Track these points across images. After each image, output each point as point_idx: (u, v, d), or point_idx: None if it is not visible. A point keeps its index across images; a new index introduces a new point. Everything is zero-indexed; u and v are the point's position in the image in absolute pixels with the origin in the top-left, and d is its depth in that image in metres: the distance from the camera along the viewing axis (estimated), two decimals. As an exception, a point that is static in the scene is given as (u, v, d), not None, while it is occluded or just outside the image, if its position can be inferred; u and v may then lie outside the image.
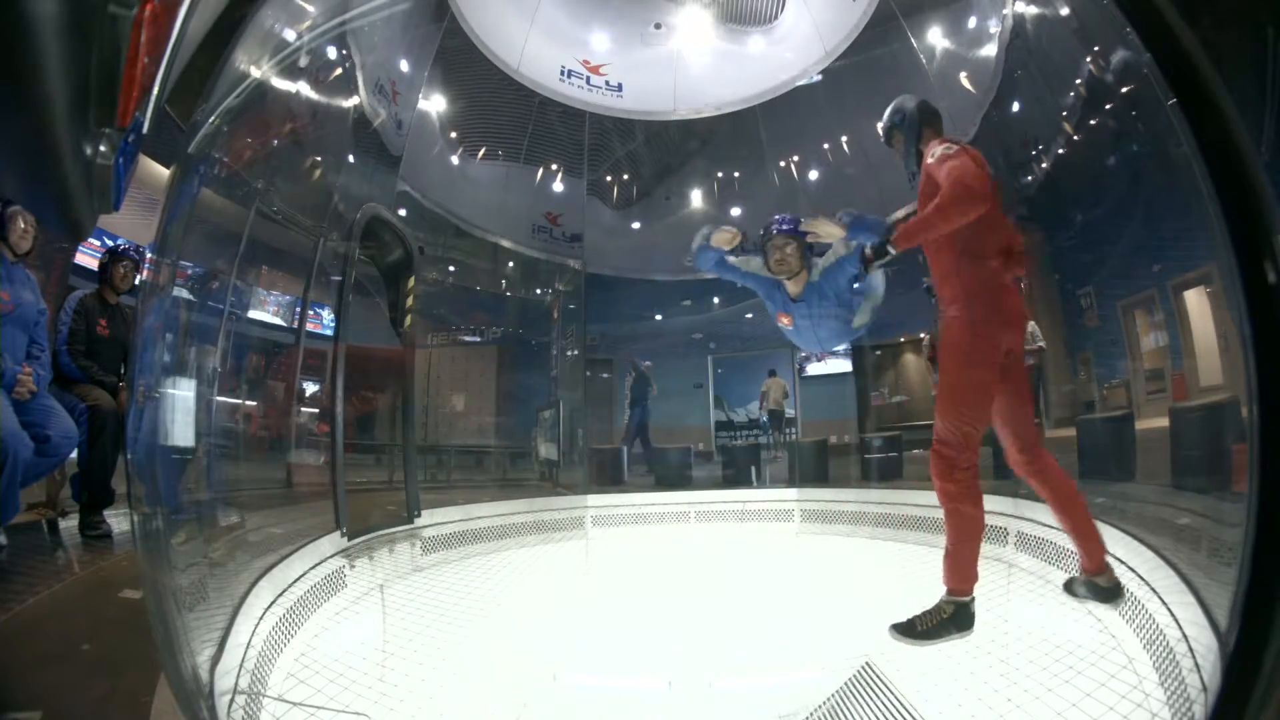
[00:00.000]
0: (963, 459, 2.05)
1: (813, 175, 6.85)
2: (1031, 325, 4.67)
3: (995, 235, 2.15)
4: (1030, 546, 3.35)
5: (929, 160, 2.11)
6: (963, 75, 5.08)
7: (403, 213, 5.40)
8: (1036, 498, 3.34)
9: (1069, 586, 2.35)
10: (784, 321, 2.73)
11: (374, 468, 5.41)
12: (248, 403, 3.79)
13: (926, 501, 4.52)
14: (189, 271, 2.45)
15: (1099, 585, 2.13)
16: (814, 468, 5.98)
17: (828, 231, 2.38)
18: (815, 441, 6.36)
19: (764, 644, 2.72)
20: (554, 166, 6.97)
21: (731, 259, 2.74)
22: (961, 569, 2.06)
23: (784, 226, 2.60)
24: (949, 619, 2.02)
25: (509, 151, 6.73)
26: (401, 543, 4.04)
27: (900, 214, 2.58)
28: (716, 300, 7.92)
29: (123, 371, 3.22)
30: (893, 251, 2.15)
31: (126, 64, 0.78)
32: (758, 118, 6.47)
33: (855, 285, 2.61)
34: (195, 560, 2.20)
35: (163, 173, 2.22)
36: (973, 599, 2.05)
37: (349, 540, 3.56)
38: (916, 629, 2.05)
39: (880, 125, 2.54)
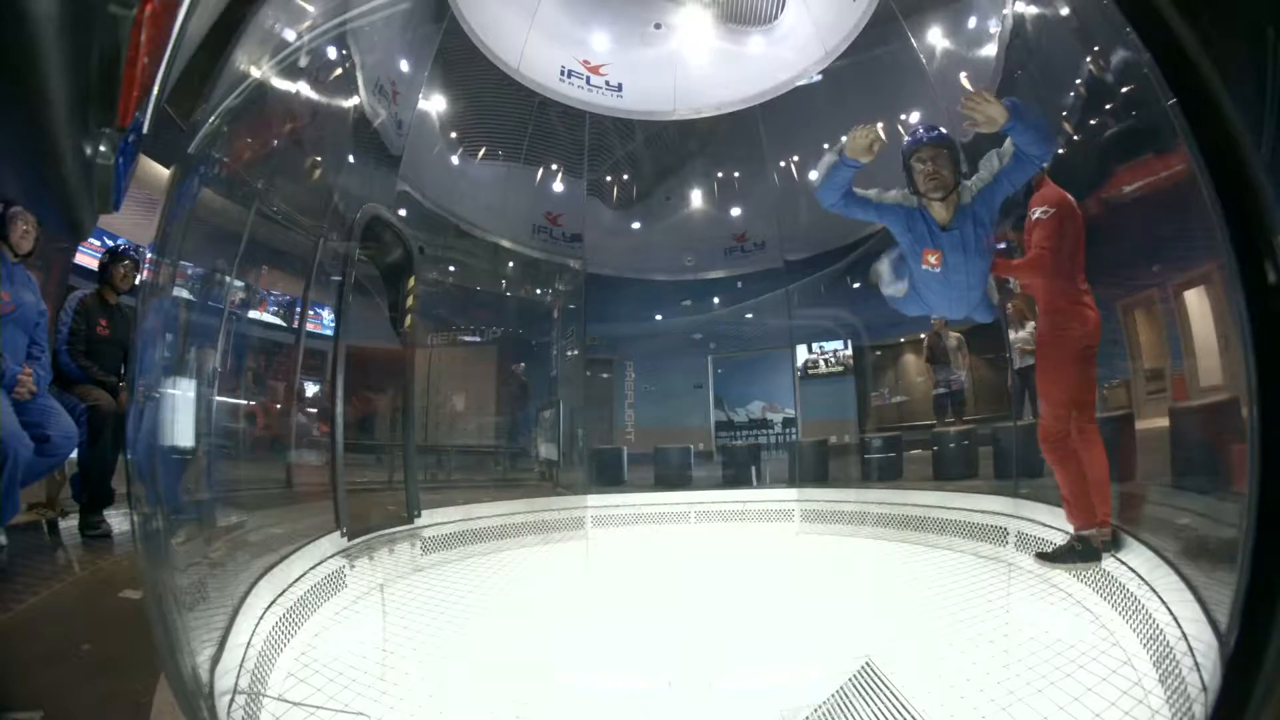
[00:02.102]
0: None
1: (813, 175, 6.85)
2: (1031, 325, 4.68)
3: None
4: (1030, 546, 3.35)
5: (1030, 215, 2.57)
6: (963, 75, 5.08)
7: (403, 213, 5.40)
8: (1036, 498, 3.43)
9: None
10: (930, 261, 2.31)
11: (374, 468, 5.41)
12: (247, 403, 3.79)
13: (926, 501, 4.52)
14: (189, 271, 2.45)
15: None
16: (814, 468, 5.98)
17: (989, 115, 2.00)
18: (815, 441, 6.36)
19: (764, 644, 2.72)
20: (554, 166, 6.97)
21: (862, 191, 2.33)
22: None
23: (932, 134, 2.25)
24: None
25: (509, 151, 6.73)
26: (401, 543, 4.04)
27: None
28: (716, 300, 7.92)
29: (123, 371, 3.23)
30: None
31: (126, 64, 0.78)
32: (758, 118, 6.47)
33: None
34: (195, 560, 2.20)
35: (163, 173, 2.22)
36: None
37: (349, 540, 3.56)
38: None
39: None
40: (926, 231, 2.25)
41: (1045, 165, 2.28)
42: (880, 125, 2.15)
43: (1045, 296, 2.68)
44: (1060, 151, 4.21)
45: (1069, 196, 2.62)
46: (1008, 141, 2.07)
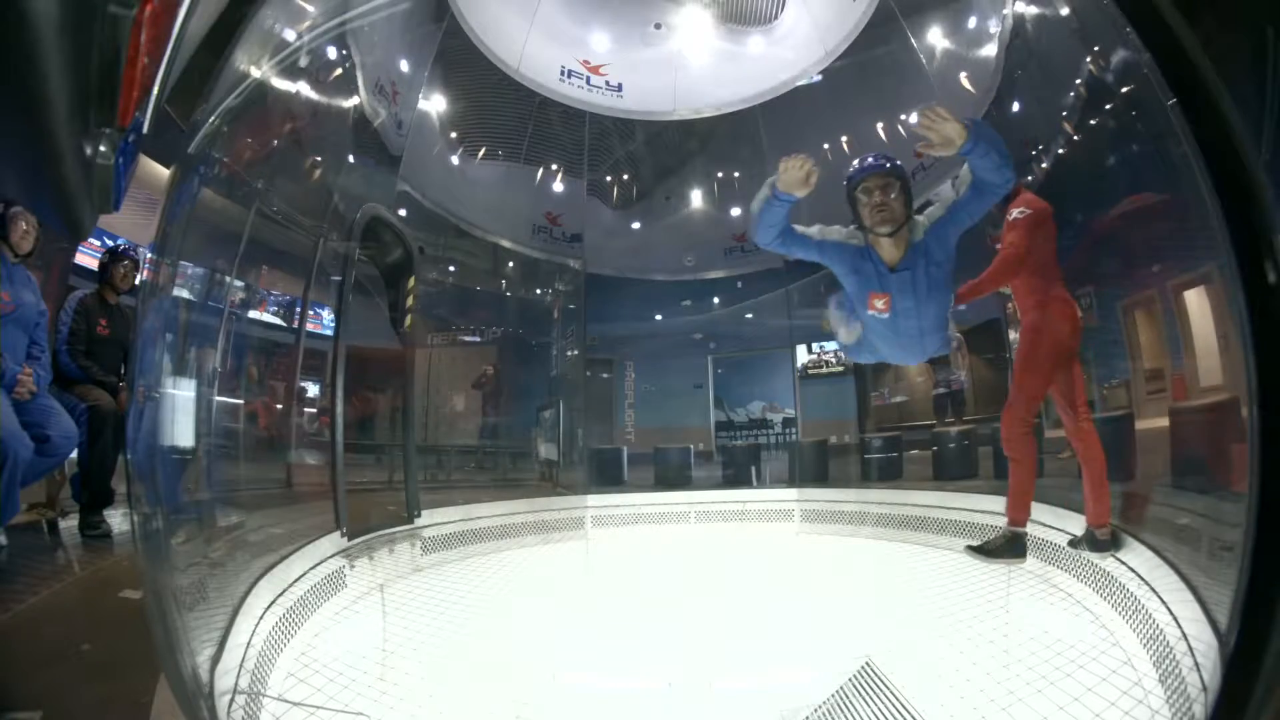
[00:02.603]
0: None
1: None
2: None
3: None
4: (1030, 546, 3.34)
5: (1008, 216, 2.67)
6: (963, 75, 5.08)
7: (403, 213, 5.40)
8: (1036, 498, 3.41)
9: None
10: (878, 306, 2.06)
11: (374, 468, 5.41)
12: (247, 403, 3.79)
13: (926, 501, 4.52)
14: (189, 271, 2.45)
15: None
16: (814, 468, 5.98)
17: (946, 135, 1.74)
18: (815, 441, 6.36)
19: (764, 644, 2.72)
20: (554, 166, 6.97)
21: (803, 228, 2.08)
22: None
23: (879, 163, 2.01)
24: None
25: (509, 151, 6.73)
26: (401, 543, 4.04)
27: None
28: (716, 300, 7.92)
29: (123, 371, 3.22)
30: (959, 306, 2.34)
31: (126, 64, 0.78)
32: (758, 118, 6.47)
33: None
34: (195, 560, 2.20)
35: (163, 173, 2.21)
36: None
37: (349, 540, 3.56)
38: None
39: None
40: (874, 272, 2.02)
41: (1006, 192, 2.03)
42: (808, 158, 1.88)
43: (1023, 295, 2.75)
44: (1061, 151, 4.22)
45: (1046, 204, 2.76)
46: (965, 168, 1.87)
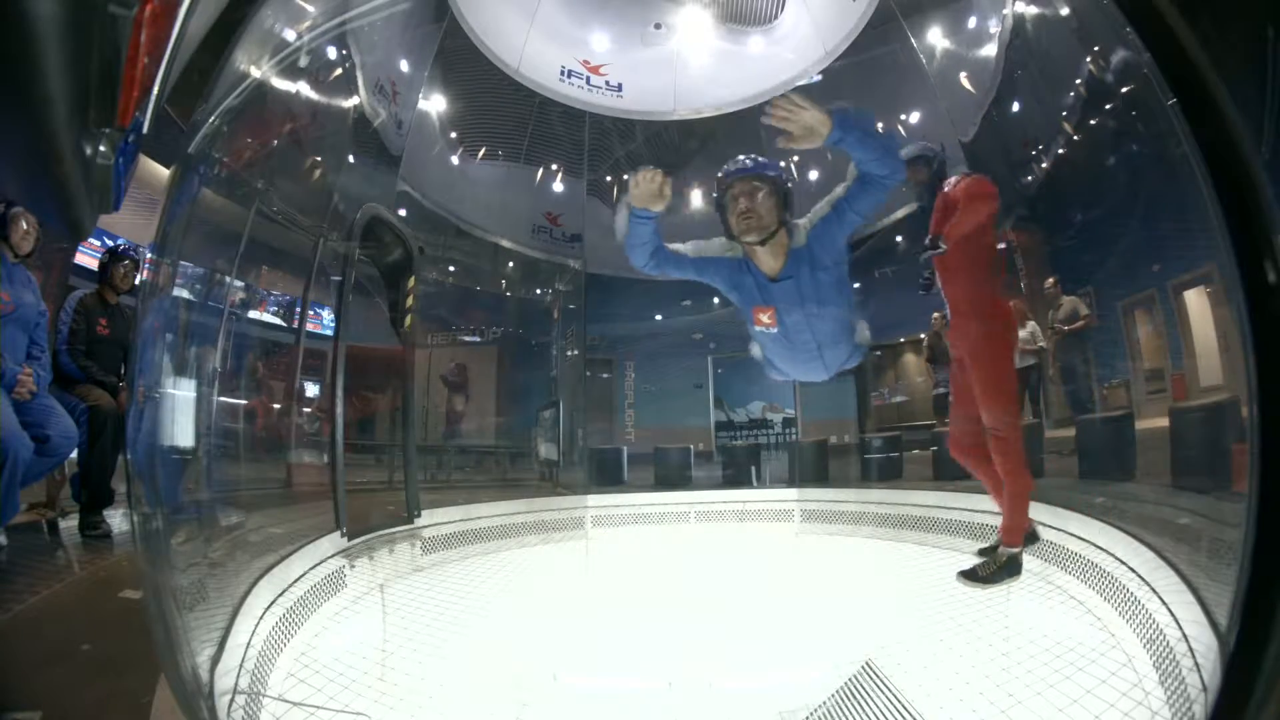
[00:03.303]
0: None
1: (813, 175, 6.84)
2: (1032, 325, 4.68)
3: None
4: (1030, 546, 3.35)
5: (945, 191, 2.47)
6: (963, 75, 5.08)
7: (403, 213, 5.40)
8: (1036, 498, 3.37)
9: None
10: (764, 321, 1.93)
11: (374, 468, 5.41)
12: (247, 403, 3.79)
13: (926, 501, 4.52)
14: (189, 271, 2.45)
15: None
16: (814, 468, 5.98)
17: (806, 124, 1.61)
18: (815, 441, 6.36)
19: (764, 644, 2.72)
20: (554, 166, 6.97)
21: (677, 246, 1.94)
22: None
23: (744, 165, 1.88)
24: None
25: (509, 151, 6.73)
26: (401, 543, 4.04)
27: (901, 213, 2.54)
28: (716, 300, 7.90)
29: (123, 371, 3.22)
30: (943, 246, 2.26)
31: (126, 64, 0.78)
32: (758, 118, 6.45)
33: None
34: (195, 560, 2.20)
35: (163, 173, 2.22)
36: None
37: (349, 540, 3.56)
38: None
39: (915, 153, 2.62)
40: (754, 285, 1.87)
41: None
42: (657, 170, 1.77)
43: (969, 292, 2.51)
44: (1061, 151, 4.23)
45: (980, 182, 2.49)
46: (851, 165, 1.75)
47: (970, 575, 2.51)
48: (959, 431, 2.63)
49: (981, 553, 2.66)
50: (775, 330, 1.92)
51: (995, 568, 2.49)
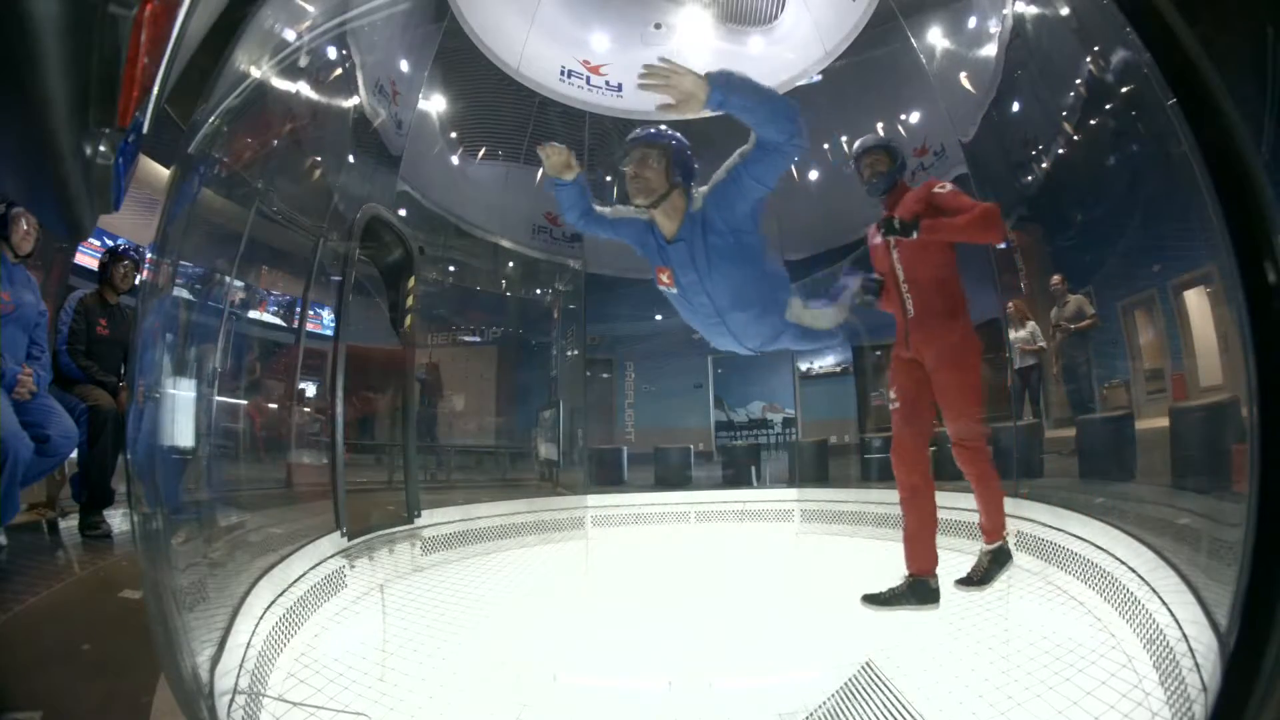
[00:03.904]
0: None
1: (813, 175, 6.86)
2: (1031, 325, 4.68)
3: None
4: (1030, 546, 3.35)
5: (938, 190, 2.41)
6: (963, 75, 5.08)
7: (403, 213, 5.40)
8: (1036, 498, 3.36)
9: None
10: (663, 280, 2.02)
11: (374, 468, 5.41)
12: (248, 403, 3.79)
13: (926, 501, 4.51)
14: (189, 271, 2.45)
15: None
16: (814, 468, 5.98)
17: (683, 89, 1.64)
18: (815, 441, 6.36)
19: (764, 644, 2.72)
20: (554, 167, 6.96)
21: (601, 208, 2.08)
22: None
23: (638, 135, 1.98)
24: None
25: (509, 151, 6.72)
26: (401, 543, 4.04)
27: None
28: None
29: (123, 371, 3.23)
30: (915, 235, 2.26)
31: (126, 64, 0.78)
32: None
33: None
34: (195, 560, 2.20)
35: (163, 173, 2.22)
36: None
37: (349, 540, 3.56)
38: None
39: (871, 143, 2.58)
40: (656, 246, 1.97)
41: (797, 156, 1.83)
42: (555, 144, 1.93)
43: (943, 292, 2.50)
44: (1061, 151, 4.23)
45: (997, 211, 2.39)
46: (753, 132, 1.77)
47: (967, 581, 2.54)
48: (911, 443, 2.65)
49: (892, 596, 2.60)
50: (675, 291, 2.02)
51: (986, 564, 2.53)
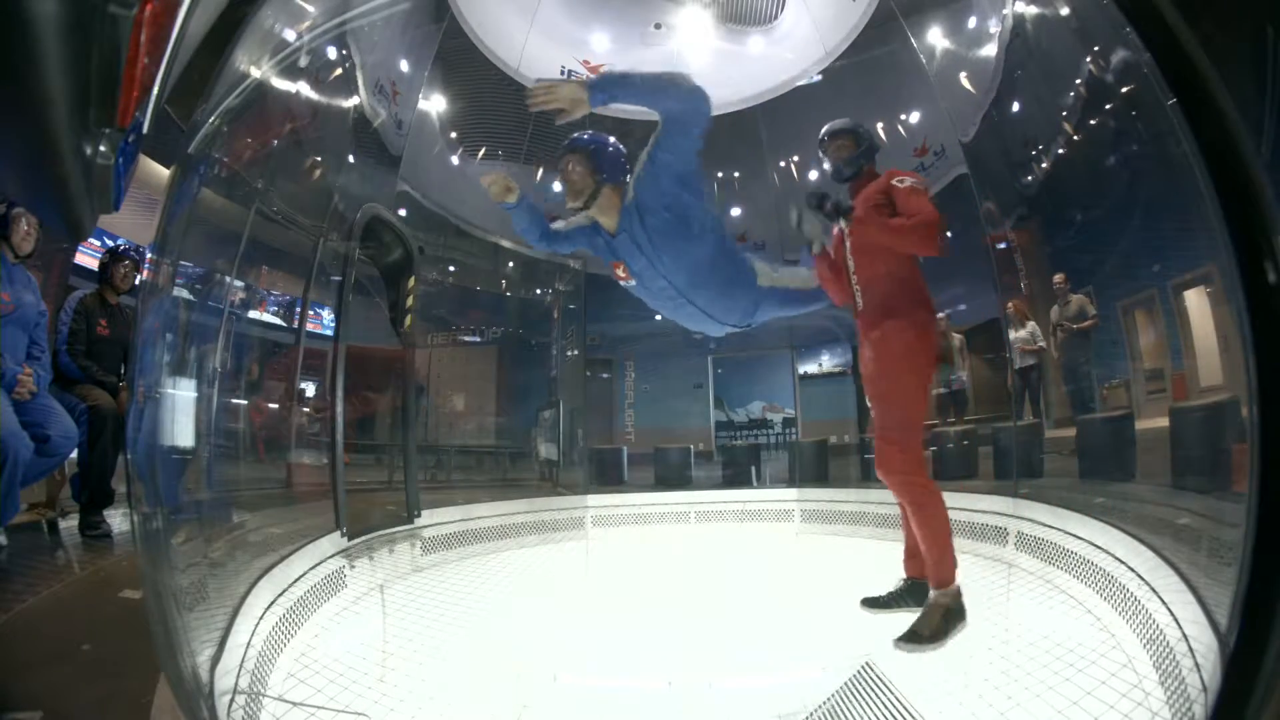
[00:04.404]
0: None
1: (813, 175, 6.85)
2: (1031, 325, 4.68)
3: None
4: (1030, 546, 3.35)
5: (895, 184, 2.24)
6: (963, 75, 5.08)
7: (403, 213, 5.40)
8: (1036, 498, 3.31)
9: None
10: (620, 275, 2.12)
11: (374, 468, 5.41)
12: (248, 403, 3.79)
13: (926, 501, 4.51)
14: (189, 271, 2.45)
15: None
16: (814, 468, 5.98)
17: (564, 96, 1.78)
18: (815, 441, 6.36)
19: (764, 644, 2.72)
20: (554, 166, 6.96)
21: (557, 224, 2.19)
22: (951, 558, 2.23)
23: (572, 141, 2.08)
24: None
25: (509, 151, 6.72)
26: (401, 543, 4.04)
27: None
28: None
29: (123, 371, 3.23)
30: (845, 223, 2.20)
31: (126, 64, 0.78)
32: (758, 118, 6.47)
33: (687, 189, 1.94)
34: (195, 560, 2.20)
35: (163, 173, 2.22)
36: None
37: (349, 540, 3.56)
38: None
39: (836, 127, 2.44)
40: (605, 245, 2.07)
41: (701, 132, 1.96)
42: (495, 173, 2.13)
43: (895, 277, 2.28)
44: (1061, 151, 4.23)
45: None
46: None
47: (912, 638, 2.18)
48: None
49: (890, 599, 2.43)
50: (633, 283, 2.10)
51: (937, 619, 2.17)
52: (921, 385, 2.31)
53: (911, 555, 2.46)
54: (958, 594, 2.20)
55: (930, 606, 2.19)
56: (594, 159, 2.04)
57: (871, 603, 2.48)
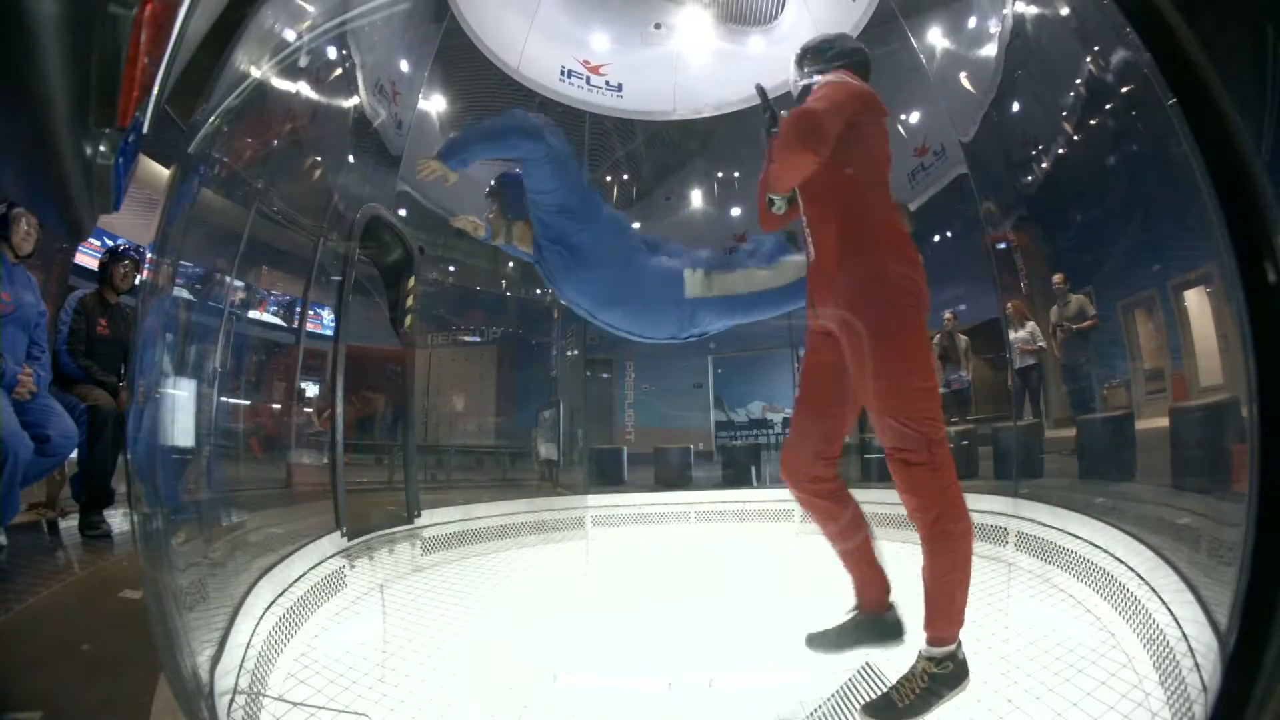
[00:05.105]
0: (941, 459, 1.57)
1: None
2: (1031, 325, 4.68)
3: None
4: (1030, 547, 3.35)
5: (816, 78, 1.94)
6: (963, 75, 5.08)
7: (403, 213, 5.40)
8: (1036, 498, 3.27)
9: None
10: (549, 294, 2.47)
11: (374, 468, 5.41)
12: (248, 403, 3.79)
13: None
14: (189, 271, 2.45)
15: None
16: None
17: (435, 170, 2.11)
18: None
19: (764, 644, 2.72)
20: (554, 166, 6.96)
21: (519, 250, 2.40)
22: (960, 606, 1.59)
23: (492, 183, 2.34)
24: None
25: (509, 151, 6.72)
26: (401, 543, 4.04)
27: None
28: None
29: (123, 371, 3.23)
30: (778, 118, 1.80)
31: (126, 64, 0.78)
32: (758, 117, 6.46)
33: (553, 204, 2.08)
34: (195, 560, 2.20)
35: (163, 173, 2.22)
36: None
37: (349, 540, 3.56)
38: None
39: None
40: (538, 268, 2.30)
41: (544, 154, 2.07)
42: (462, 217, 2.50)
43: (858, 215, 1.73)
44: (1061, 151, 4.23)
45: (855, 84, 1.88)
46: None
47: (881, 710, 1.61)
48: (805, 449, 1.80)
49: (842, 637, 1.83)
50: (579, 300, 2.24)
51: (924, 681, 1.57)
52: (923, 352, 1.72)
53: (867, 583, 1.91)
54: (956, 654, 1.59)
55: (920, 661, 1.60)
56: (501, 199, 2.26)
57: (819, 642, 1.88)
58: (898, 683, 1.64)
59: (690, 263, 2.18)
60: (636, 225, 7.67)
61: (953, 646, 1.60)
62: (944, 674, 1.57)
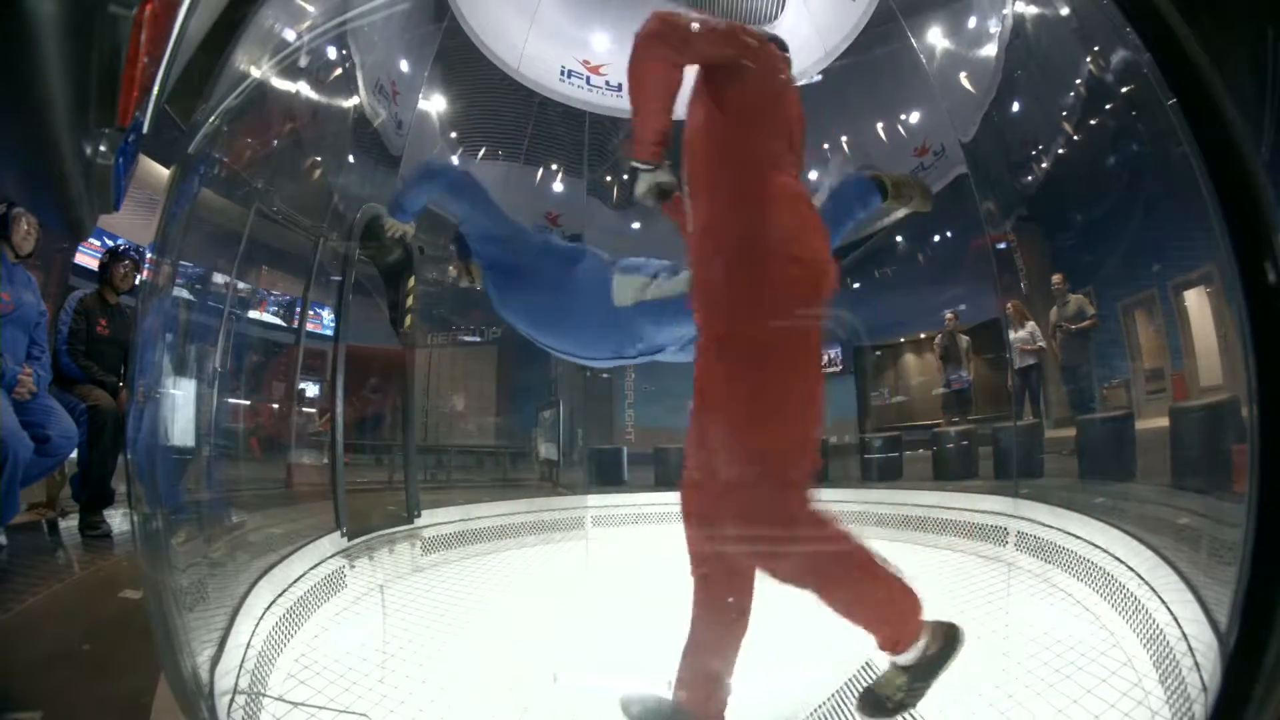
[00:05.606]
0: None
1: (813, 175, 6.84)
2: (1031, 325, 4.69)
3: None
4: (1030, 546, 3.35)
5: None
6: (963, 75, 5.09)
7: (403, 213, 5.39)
8: (1036, 498, 3.26)
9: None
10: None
11: (374, 468, 5.41)
12: (248, 403, 3.79)
13: (927, 501, 4.52)
14: (189, 271, 2.45)
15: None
16: (813, 468, 5.97)
17: (398, 227, 2.38)
18: (815, 441, 6.35)
19: (763, 644, 2.72)
20: (554, 166, 6.97)
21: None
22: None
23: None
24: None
25: (509, 151, 6.72)
26: (401, 543, 4.04)
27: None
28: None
29: (123, 371, 3.22)
30: None
31: (126, 64, 0.78)
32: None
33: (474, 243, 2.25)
34: (195, 560, 2.20)
35: (163, 173, 2.22)
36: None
37: (349, 540, 3.56)
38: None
39: None
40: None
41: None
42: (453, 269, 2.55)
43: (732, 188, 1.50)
44: (1061, 151, 4.23)
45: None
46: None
47: (873, 708, 1.59)
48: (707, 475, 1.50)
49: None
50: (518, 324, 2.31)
51: (904, 681, 1.57)
52: (809, 356, 1.42)
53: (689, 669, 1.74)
54: (925, 647, 1.53)
55: (891, 670, 1.57)
56: (457, 243, 2.33)
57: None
58: (878, 681, 1.64)
59: (620, 268, 1.91)
60: (636, 225, 7.68)
61: (920, 642, 1.49)
62: (926, 664, 1.53)
